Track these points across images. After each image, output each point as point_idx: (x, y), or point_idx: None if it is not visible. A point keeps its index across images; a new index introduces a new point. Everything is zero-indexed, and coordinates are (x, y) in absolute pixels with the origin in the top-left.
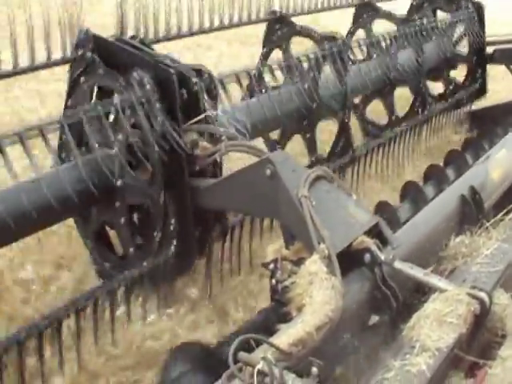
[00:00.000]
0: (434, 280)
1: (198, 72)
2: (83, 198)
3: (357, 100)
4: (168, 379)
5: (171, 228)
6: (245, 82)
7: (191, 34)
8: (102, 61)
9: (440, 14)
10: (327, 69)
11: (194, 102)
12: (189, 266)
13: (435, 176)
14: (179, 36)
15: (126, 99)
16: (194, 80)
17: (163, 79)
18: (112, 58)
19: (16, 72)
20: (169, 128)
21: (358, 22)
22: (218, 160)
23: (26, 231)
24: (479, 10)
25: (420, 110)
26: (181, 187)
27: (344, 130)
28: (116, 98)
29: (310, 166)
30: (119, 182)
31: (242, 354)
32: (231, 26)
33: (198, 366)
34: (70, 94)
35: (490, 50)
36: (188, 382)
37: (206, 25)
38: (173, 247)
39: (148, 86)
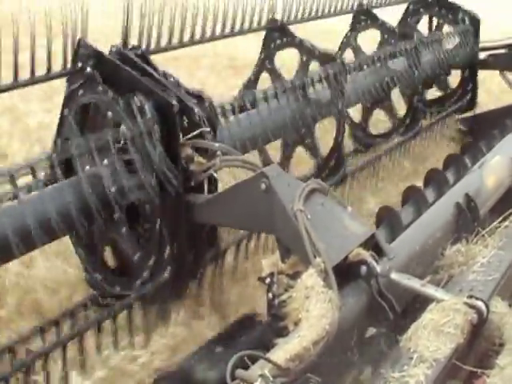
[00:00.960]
0: (431, 290)
1: (199, 99)
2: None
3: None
4: None
5: (166, 254)
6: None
7: (192, 43)
8: (101, 77)
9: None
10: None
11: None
12: (183, 290)
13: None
14: (181, 45)
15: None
16: (196, 110)
17: (164, 107)
18: (112, 76)
19: (17, 85)
20: (166, 167)
21: (355, 28)
22: (214, 175)
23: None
24: (475, 23)
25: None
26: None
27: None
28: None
29: (317, 172)
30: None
31: (240, 371)
32: (232, 34)
33: None
34: (66, 105)
35: (483, 55)
36: None
37: (208, 34)
38: (167, 272)
39: (149, 115)
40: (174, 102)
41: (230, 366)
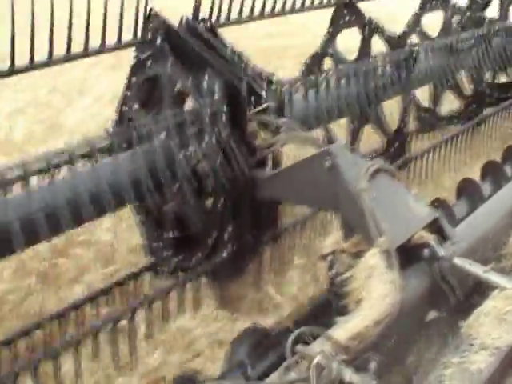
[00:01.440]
0: (494, 277)
1: (268, 82)
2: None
3: None
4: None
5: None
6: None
7: (260, 17)
8: (172, 52)
9: None
10: None
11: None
12: (242, 270)
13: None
14: (250, 19)
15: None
16: (264, 93)
17: (233, 90)
18: (181, 50)
19: (87, 54)
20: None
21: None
22: (278, 151)
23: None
24: None
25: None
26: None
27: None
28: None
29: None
30: None
31: (300, 347)
32: (301, 10)
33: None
34: (133, 74)
35: None
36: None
37: (277, 8)
38: (227, 251)
39: (217, 96)
40: (244, 88)
41: (290, 340)
